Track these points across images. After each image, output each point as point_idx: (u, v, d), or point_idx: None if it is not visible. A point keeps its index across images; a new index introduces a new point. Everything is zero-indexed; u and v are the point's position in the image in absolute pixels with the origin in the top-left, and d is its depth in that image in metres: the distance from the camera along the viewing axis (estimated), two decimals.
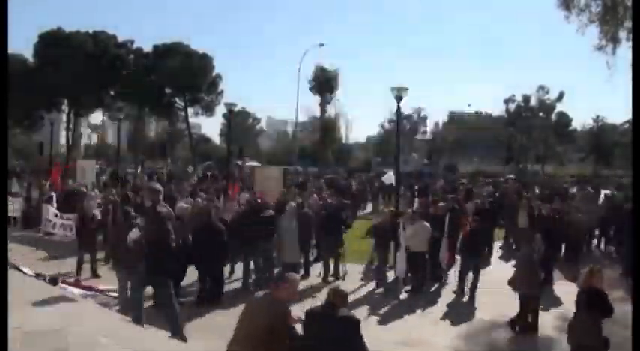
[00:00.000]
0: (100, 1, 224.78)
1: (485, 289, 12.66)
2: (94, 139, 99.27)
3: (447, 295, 12.96)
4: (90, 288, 11.52)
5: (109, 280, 12.52)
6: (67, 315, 5.38)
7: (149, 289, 7.94)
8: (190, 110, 60.32)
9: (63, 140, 66.52)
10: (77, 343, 4.56)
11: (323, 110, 59.36)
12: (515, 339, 10.16)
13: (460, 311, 11.61)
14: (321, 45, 53.67)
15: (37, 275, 11.03)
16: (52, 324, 4.92)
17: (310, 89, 57.79)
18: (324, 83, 57.22)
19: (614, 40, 22.98)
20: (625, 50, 23.60)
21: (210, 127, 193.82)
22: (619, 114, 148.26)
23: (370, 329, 9.74)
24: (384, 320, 10.82)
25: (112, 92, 56.16)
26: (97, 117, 76.81)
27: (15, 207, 20.62)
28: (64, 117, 59.68)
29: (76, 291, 10.65)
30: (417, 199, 21.99)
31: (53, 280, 10.75)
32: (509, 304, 10.79)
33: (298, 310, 5.92)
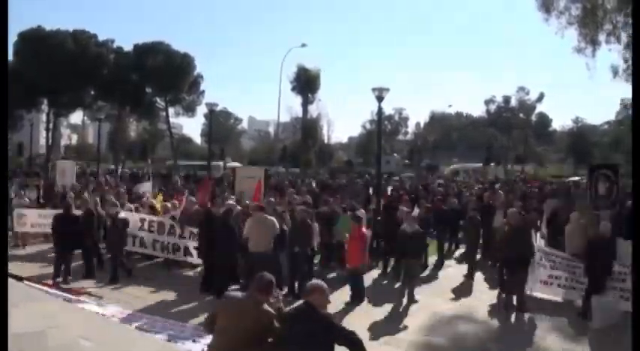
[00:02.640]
0: (80, 0, 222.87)
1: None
2: (74, 139, 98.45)
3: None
4: (70, 290, 11.46)
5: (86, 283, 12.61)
6: (47, 317, 5.34)
7: None
8: (171, 110, 60.16)
9: (43, 140, 65.95)
10: (58, 346, 4.54)
11: (305, 110, 59.36)
12: (478, 330, 10.47)
13: (427, 305, 11.90)
14: (303, 45, 53.69)
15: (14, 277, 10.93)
16: (32, 326, 4.89)
17: (292, 89, 57.80)
18: (305, 83, 57.19)
19: (594, 43, 23.22)
20: (604, 52, 23.88)
21: (192, 127, 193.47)
22: (598, 115, 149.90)
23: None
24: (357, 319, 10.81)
25: (92, 92, 55.71)
26: (77, 117, 76.16)
27: None
28: (44, 117, 59.12)
29: (55, 293, 10.60)
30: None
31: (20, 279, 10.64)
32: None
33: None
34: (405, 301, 12.01)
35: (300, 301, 5.70)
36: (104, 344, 4.89)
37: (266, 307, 5.54)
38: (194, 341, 8.82)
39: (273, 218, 12.31)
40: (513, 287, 11.48)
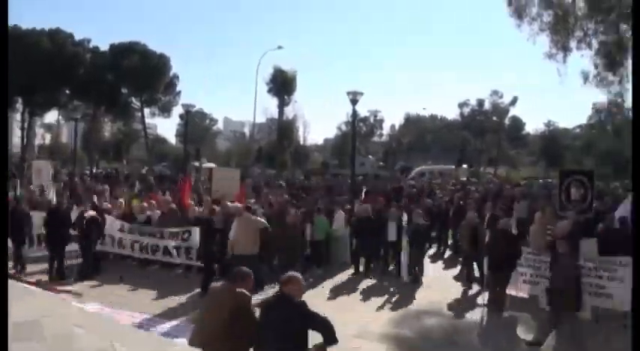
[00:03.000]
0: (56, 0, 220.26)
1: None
2: (48, 138, 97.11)
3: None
4: (52, 289, 11.64)
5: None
6: (39, 308, 5.60)
7: None
8: (147, 110, 59.99)
9: (17, 139, 65.28)
10: (53, 334, 4.79)
11: (281, 112, 59.46)
12: (447, 324, 10.99)
13: (399, 301, 12.53)
14: (280, 47, 53.69)
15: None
16: (26, 316, 5.13)
17: (268, 91, 57.89)
18: (282, 85, 57.32)
19: (565, 49, 23.64)
20: (575, 58, 24.46)
21: (166, 127, 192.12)
22: (570, 118, 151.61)
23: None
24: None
25: (67, 91, 55.38)
26: (51, 116, 75.36)
27: None
28: (19, 116, 58.61)
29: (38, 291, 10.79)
30: None
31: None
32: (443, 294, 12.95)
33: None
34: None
35: (276, 291, 6.06)
36: (97, 331, 5.15)
37: (241, 290, 5.81)
38: (176, 337, 9.11)
39: (258, 219, 12.80)
40: (495, 285, 11.90)
